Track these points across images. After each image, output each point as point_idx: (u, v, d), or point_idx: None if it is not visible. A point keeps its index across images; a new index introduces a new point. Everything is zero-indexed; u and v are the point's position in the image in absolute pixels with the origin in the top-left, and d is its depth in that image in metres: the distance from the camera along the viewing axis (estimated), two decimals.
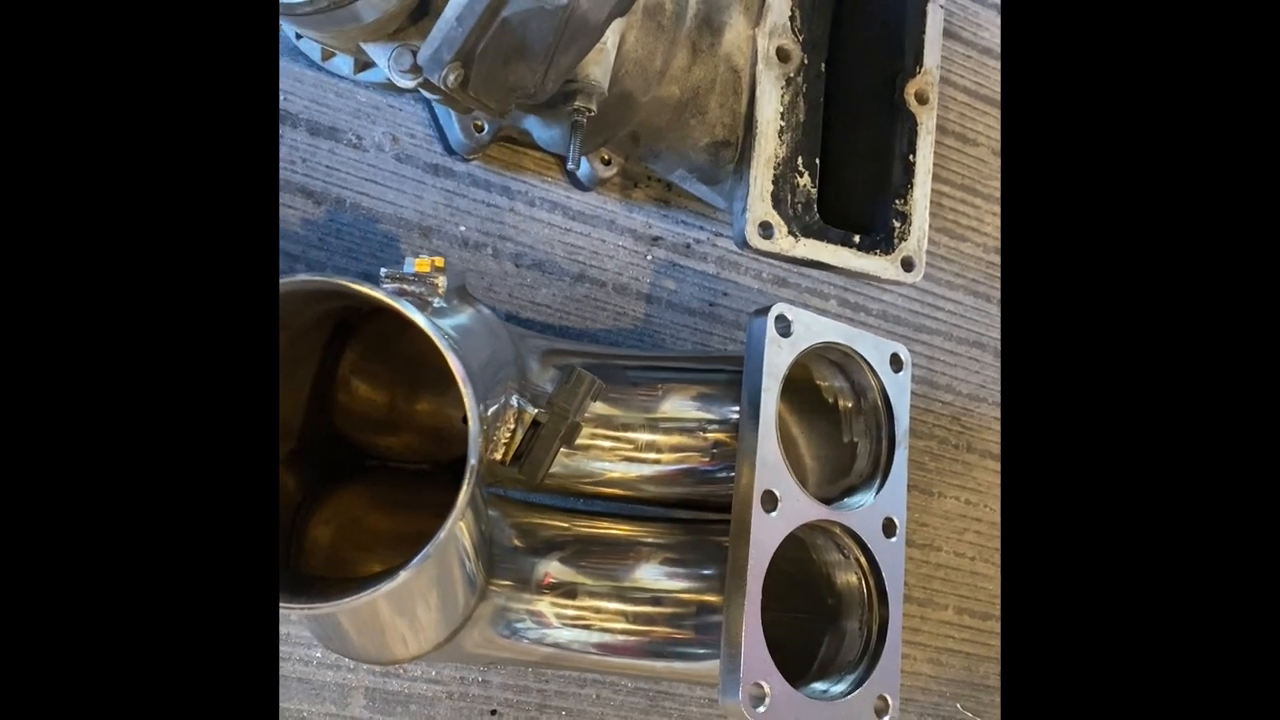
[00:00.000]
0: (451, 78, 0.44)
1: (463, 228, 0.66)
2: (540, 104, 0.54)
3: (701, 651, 0.57)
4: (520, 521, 0.57)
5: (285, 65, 0.62)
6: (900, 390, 0.58)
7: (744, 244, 0.57)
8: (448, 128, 0.64)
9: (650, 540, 0.59)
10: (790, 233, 0.57)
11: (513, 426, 0.49)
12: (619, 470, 0.58)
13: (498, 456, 0.49)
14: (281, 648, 0.60)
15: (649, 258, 0.70)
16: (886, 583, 0.57)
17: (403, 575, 0.40)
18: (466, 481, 0.38)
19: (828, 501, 0.56)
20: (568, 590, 0.56)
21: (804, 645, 0.59)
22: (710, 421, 0.58)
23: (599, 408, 0.56)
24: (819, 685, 0.55)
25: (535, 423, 0.50)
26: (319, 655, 0.61)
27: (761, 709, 0.50)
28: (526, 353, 0.56)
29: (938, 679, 0.75)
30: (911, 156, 0.60)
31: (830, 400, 0.61)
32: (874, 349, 0.58)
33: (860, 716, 0.54)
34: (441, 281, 0.47)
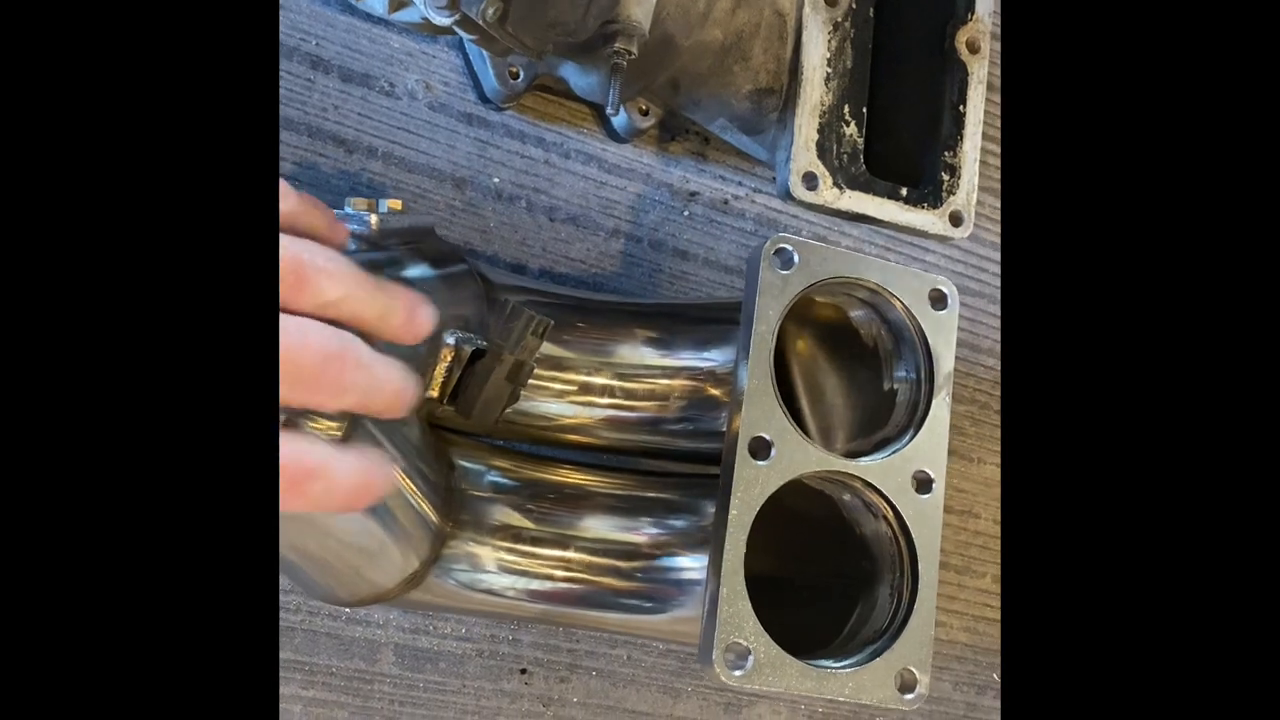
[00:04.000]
0: (490, 11, 0.43)
1: (496, 180, 0.65)
2: (578, 47, 0.52)
3: (661, 604, 0.54)
4: (484, 465, 0.55)
5: (316, 10, 0.61)
6: (941, 329, 0.53)
7: (787, 195, 0.55)
8: (482, 75, 0.62)
9: (606, 489, 0.57)
10: (835, 184, 0.56)
11: (448, 364, 0.47)
12: (579, 415, 0.56)
13: (434, 394, 0.47)
14: (309, 602, 0.59)
15: (685, 213, 0.69)
16: (917, 543, 0.52)
17: None
18: None
19: (859, 455, 0.53)
20: (512, 534, 0.53)
21: (838, 615, 0.56)
22: (687, 368, 0.56)
23: (552, 348, 0.54)
24: (831, 659, 0.51)
25: (472, 359, 0.48)
26: (348, 610, 0.60)
27: (739, 671, 0.46)
28: (495, 293, 0.54)
29: (974, 648, 0.74)
30: (962, 107, 0.58)
31: (871, 345, 0.58)
32: (910, 284, 0.53)
33: (876, 690, 0.49)
34: (375, 220, 0.46)
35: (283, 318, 0.31)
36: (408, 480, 0.47)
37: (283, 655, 0.58)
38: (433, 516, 0.50)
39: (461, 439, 0.56)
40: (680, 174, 0.69)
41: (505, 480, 0.55)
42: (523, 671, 0.63)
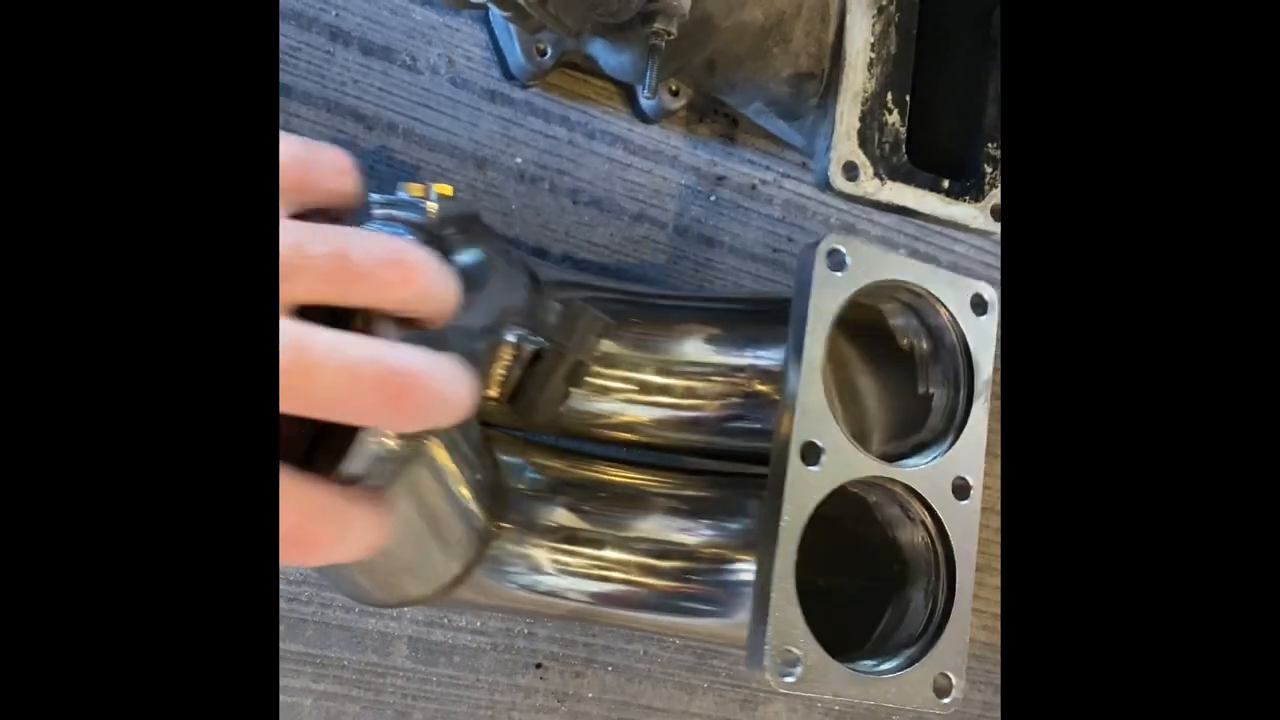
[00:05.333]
0: None
1: (519, 159, 0.62)
2: (614, 26, 0.50)
3: (712, 608, 0.54)
4: (528, 462, 0.54)
5: None
6: (982, 336, 0.53)
7: (826, 185, 0.53)
8: (508, 50, 0.60)
9: (661, 490, 0.56)
10: (876, 174, 0.54)
11: (509, 363, 0.46)
12: (631, 414, 0.54)
13: (494, 394, 0.46)
14: (322, 594, 0.57)
15: (712, 198, 0.67)
16: (955, 549, 0.52)
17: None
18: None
19: (893, 458, 0.52)
20: (567, 535, 0.52)
21: (866, 617, 0.56)
22: (740, 366, 0.54)
23: (609, 345, 0.52)
24: (870, 661, 0.51)
25: (533, 359, 0.46)
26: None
27: (791, 678, 0.46)
28: (545, 287, 0.52)
29: (992, 646, 0.73)
30: None
31: (906, 346, 0.57)
32: (951, 288, 0.52)
33: (915, 695, 0.49)
34: (433, 207, 0.43)
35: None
36: (460, 477, 0.45)
37: (293, 648, 0.57)
38: (480, 515, 0.49)
39: (502, 434, 0.54)
40: (707, 157, 0.66)
41: (553, 479, 0.54)
42: (538, 666, 0.62)
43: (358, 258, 0.31)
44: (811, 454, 0.48)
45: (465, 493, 0.47)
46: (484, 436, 0.52)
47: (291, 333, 0.29)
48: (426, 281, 0.33)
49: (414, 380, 0.30)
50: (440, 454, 0.42)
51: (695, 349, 0.55)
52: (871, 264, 0.51)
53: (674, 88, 0.61)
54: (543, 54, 0.59)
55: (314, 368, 0.29)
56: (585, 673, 0.63)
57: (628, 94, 0.64)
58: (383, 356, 0.30)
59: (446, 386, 0.31)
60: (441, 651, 0.60)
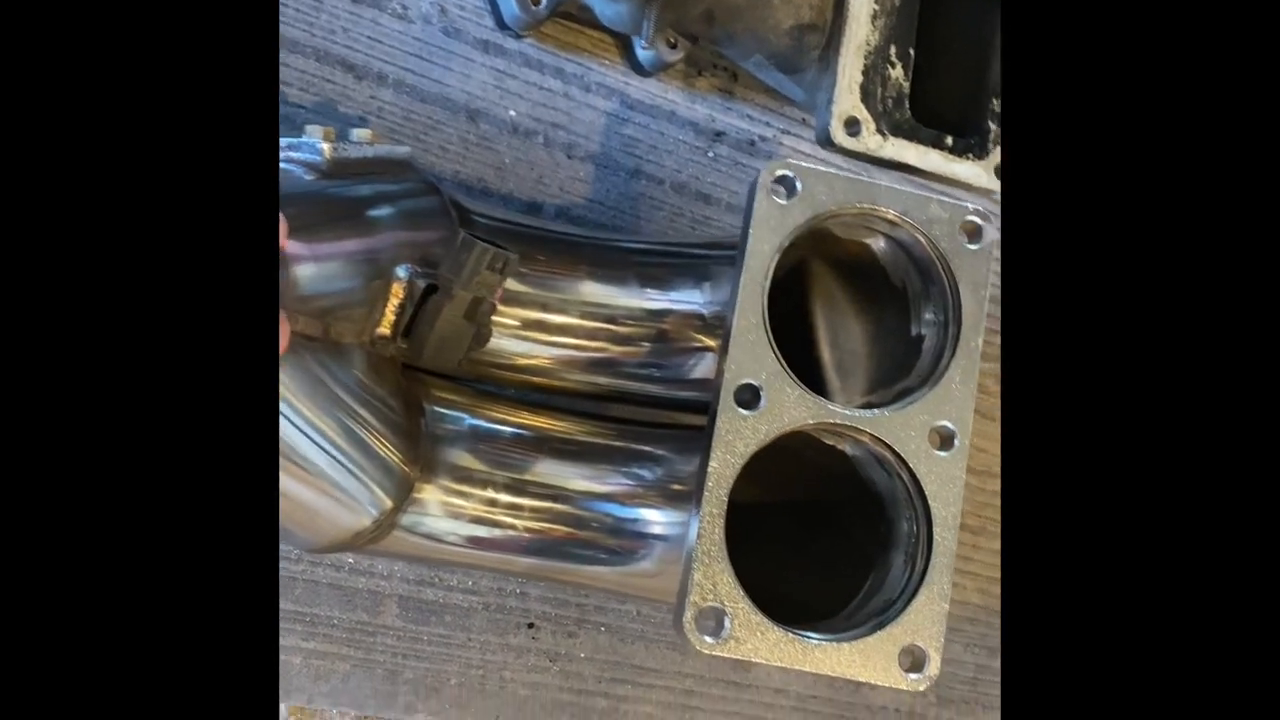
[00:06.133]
0: None
1: (513, 112, 0.61)
2: None
3: (620, 558, 0.52)
4: (442, 409, 0.52)
5: None
6: (974, 266, 0.47)
7: (827, 141, 0.52)
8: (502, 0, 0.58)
9: (566, 435, 0.54)
10: (878, 130, 0.52)
11: (401, 299, 0.46)
12: (537, 354, 0.52)
13: (385, 331, 0.46)
14: (317, 555, 0.57)
15: (710, 154, 0.65)
16: (933, 505, 0.46)
17: None
18: None
19: (876, 406, 0.47)
20: (483, 481, 0.50)
21: (852, 586, 0.51)
22: (658, 310, 0.52)
23: (514, 284, 0.50)
24: (826, 633, 0.45)
25: (424, 295, 0.46)
26: (350, 560, 0.58)
27: (712, 639, 0.42)
28: (478, 229, 0.50)
29: (987, 609, 0.73)
30: None
31: (899, 285, 0.52)
32: (938, 214, 0.47)
33: (877, 667, 0.44)
34: (327, 149, 0.44)
35: None
36: (365, 416, 0.46)
37: (283, 606, 0.56)
38: (397, 460, 0.48)
39: (437, 381, 0.53)
40: (706, 112, 0.65)
41: (481, 426, 0.52)
42: (530, 626, 0.61)
43: None
44: (749, 397, 0.44)
45: (376, 430, 0.46)
46: (411, 383, 0.51)
47: None
48: None
49: None
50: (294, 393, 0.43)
51: (598, 290, 0.52)
52: (829, 189, 0.46)
53: (671, 40, 0.60)
54: (538, 3, 0.57)
55: None
56: (578, 633, 0.62)
57: (624, 46, 0.62)
58: None
59: None
60: (433, 610, 0.59)
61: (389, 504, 0.48)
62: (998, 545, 0.73)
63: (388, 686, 0.58)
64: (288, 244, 0.40)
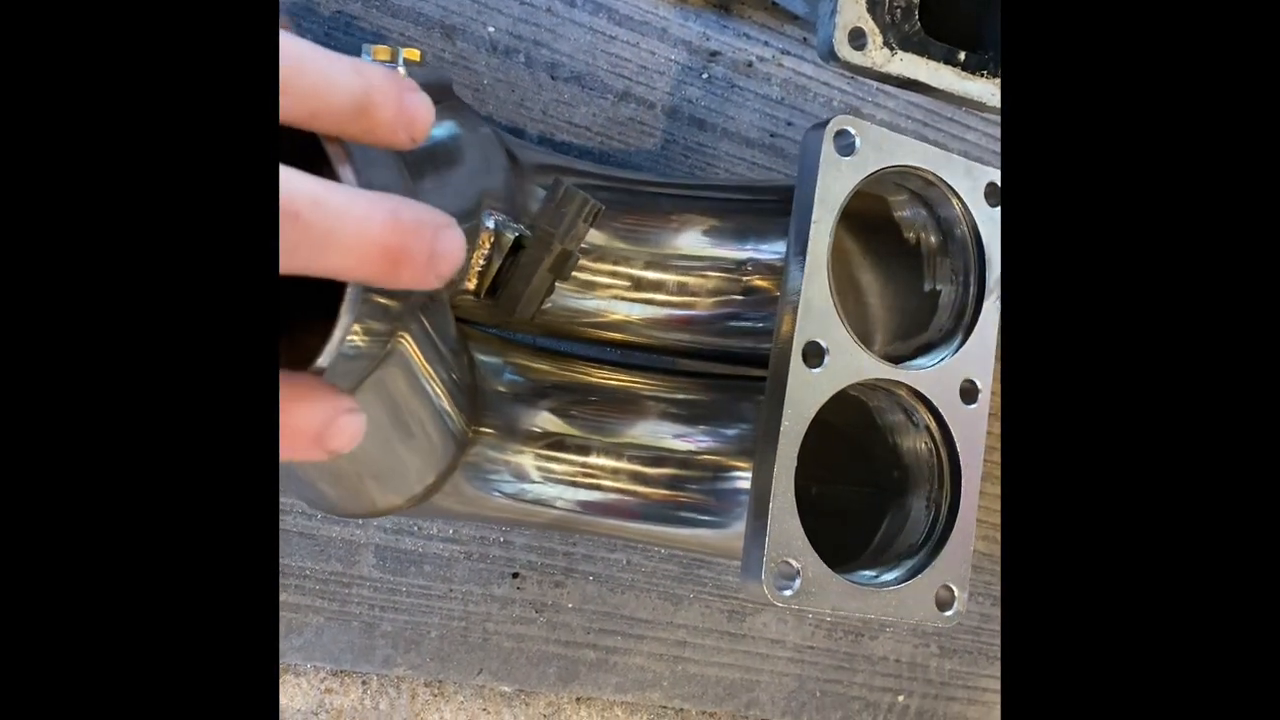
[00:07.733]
0: None
1: (491, 29, 0.57)
2: None
3: (707, 518, 0.51)
4: (507, 363, 0.50)
5: None
6: (996, 228, 0.50)
7: (830, 55, 0.48)
8: None
9: (653, 393, 0.52)
10: (886, 44, 0.48)
11: (488, 252, 0.41)
12: (621, 311, 0.50)
13: (470, 286, 0.42)
14: (284, 500, 0.54)
15: (704, 76, 0.61)
16: (961, 455, 0.49)
17: None
18: (345, 310, 0.28)
19: (897, 359, 0.49)
20: (553, 441, 0.49)
21: (862, 526, 0.53)
22: (739, 260, 0.50)
23: (597, 236, 0.48)
24: (868, 572, 0.48)
25: (515, 248, 0.42)
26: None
27: (788, 591, 0.43)
28: (525, 170, 0.47)
29: (992, 557, 0.70)
30: None
31: (912, 240, 0.53)
32: (966, 176, 0.49)
33: (917, 608, 0.47)
34: (402, 72, 0.39)
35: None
36: (435, 377, 0.41)
37: None
38: (456, 419, 0.45)
39: (479, 332, 0.49)
40: (700, 30, 0.60)
41: (536, 380, 0.50)
42: (515, 575, 0.58)
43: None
44: (814, 355, 0.45)
45: (440, 394, 0.42)
46: (460, 335, 0.47)
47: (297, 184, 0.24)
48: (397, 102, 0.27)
49: (415, 232, 0.26)
50: (414, 352, 0.38)
51: (691, 242, 0.50)
52: (883, 148, 0.46)
53: None
54: None
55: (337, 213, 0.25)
56: (565, 582, 0.60)
57: None
58: (387, 204, 0.26)
59: (441, 239, 0.27)
60: (411, 560, 0.56)
61: (446, 465, 0.46)
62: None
63: (364, 640, 0.56)
64: None
